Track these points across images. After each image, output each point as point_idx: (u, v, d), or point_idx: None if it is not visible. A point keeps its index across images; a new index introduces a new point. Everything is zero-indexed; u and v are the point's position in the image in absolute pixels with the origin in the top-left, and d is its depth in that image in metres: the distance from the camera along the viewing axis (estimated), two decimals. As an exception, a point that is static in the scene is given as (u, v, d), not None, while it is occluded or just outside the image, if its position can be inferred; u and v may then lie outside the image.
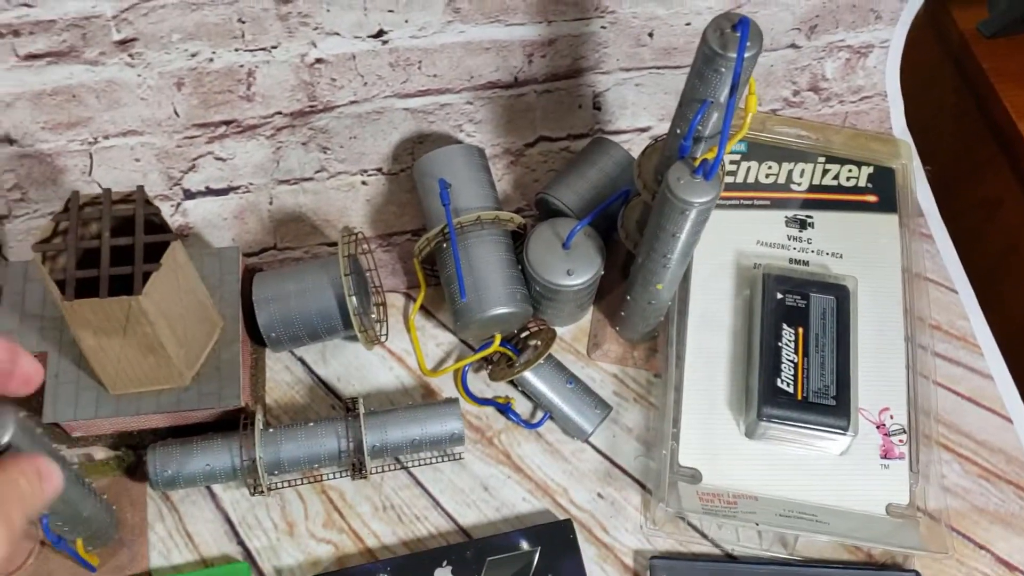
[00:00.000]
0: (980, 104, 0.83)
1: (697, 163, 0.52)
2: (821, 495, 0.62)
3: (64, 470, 0.49)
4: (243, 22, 0.64)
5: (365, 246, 0.71)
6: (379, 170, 0.75)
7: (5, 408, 0.37)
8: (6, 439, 0.37)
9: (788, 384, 0.63)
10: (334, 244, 0.73)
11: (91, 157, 0.68)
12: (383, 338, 0.69)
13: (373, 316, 0.69)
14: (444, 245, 0.68)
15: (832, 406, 0.62)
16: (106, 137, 0.68)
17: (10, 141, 0.67)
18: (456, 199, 0.68)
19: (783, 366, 0.63)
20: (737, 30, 0.47)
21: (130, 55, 0.64)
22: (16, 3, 0.60)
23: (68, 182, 0.68)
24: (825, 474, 0.63)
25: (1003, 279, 0.84)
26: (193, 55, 0.65)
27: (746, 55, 0.47)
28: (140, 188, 0.55)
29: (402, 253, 0.74)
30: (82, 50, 0.63)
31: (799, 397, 0.62)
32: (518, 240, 0.70)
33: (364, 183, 0.75)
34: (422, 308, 0.71)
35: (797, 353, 0.64)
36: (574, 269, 0.66)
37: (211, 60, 0.66)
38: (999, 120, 0.81)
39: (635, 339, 0.71)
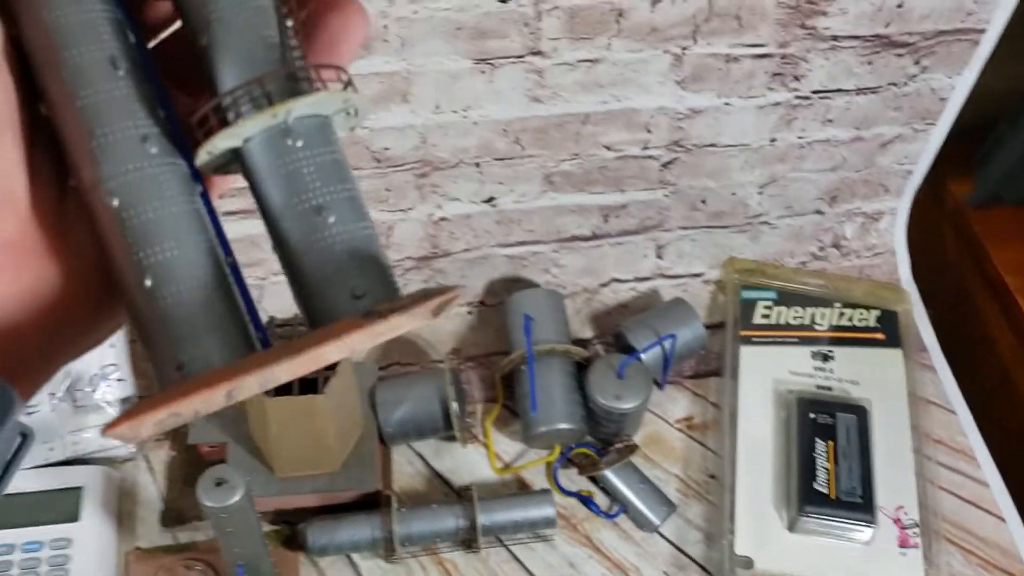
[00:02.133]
0: (974, 259, 1.01)
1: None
2: (850, 578, 0.76)
3: (260, 535, 0.65)
4: (389, 191, 0.83)
5: (464, 364, 0.87)
6: (481, 303, 0.93)
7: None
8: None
9: (823, 486, 0.78)
10: (441, 361, 0.90)
11: (262, 290, 0.87)
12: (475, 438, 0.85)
13: (468, 420, 0.86)
14: (523, 367, 0.84)
15: (860, 503, 0.77)
16: (275, 274, 0.86)
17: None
18: (536, 331, 0.85)
19: (818, 472, 0.78)
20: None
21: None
22: (226, 174, 0.79)
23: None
24: (854, 560, 0.77)
25: (998, 403, 0.99)
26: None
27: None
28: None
29: (483, 373, 0.90)
30: (268, 208, 0.82)
31: (832, 497, 0.77)
32: (583, 369, 0.86)
33: (469, 313, 0.92)
34: (500, 417, 0.87)
35: (829, 461, 0.79)
36: (622, 395, 0.82)
37: (362, 217, 0.85)
38: (990, 273, 0.98)
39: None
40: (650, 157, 0.85)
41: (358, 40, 0.27)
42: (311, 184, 0.26)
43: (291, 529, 0.79)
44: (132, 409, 0.24)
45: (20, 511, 0.77)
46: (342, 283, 0.27)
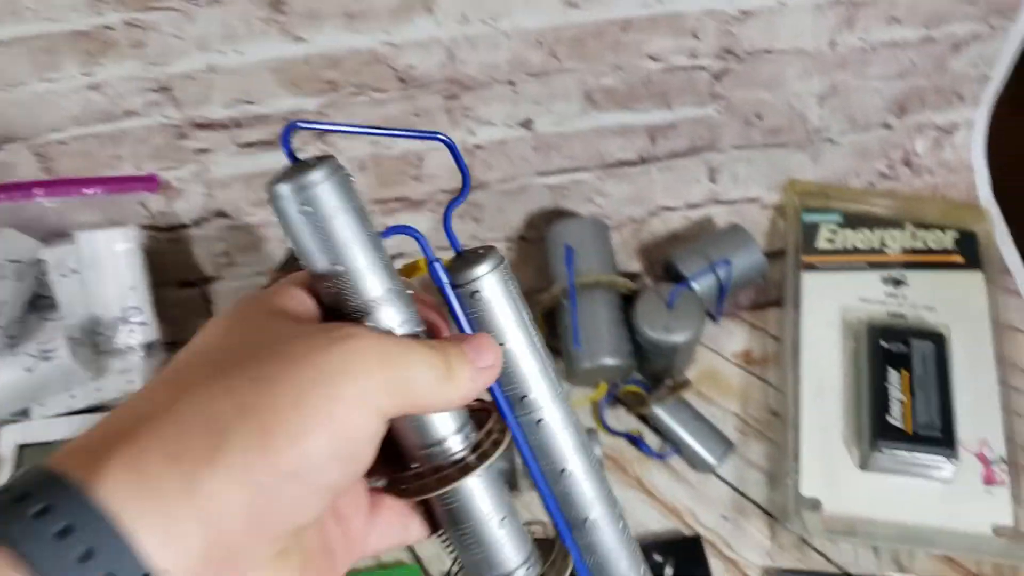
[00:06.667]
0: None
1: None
2: (932, 518, 0.69)
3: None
4: (417, 115, 0.78)
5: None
6: (521, 237, 0.87)
7: None
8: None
9: (898, 420, 0.71)
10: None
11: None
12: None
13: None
14: (564, 301, 0.78)
15: (939, 438, 0.70)
16: (300, 210, 0.81)
17: (224, 215, 0.81)
18: (579, 263, 0.79)
19: (891, 404, 0.71)
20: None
21: (323, 143, 0.78)
22: (241, 101, 0.75)
23: (268, 248, 0.82)
24: (934, 499, 0.70)
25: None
26: (375, 143, 0.79)
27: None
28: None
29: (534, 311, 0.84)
30: (289, 139, 0.77)
31: (908, 431, 0.70)
32: (631, 303, 0.80)
33: (508, 249, 0.87)
34: (560, 355, 0.82)
35: (903, 393, 0.72)
36: (672, 326, 0.75)
37: (389, 148, 0.79)
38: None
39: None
40: (699, 67, 0.78)
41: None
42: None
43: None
44: None
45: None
46: None
